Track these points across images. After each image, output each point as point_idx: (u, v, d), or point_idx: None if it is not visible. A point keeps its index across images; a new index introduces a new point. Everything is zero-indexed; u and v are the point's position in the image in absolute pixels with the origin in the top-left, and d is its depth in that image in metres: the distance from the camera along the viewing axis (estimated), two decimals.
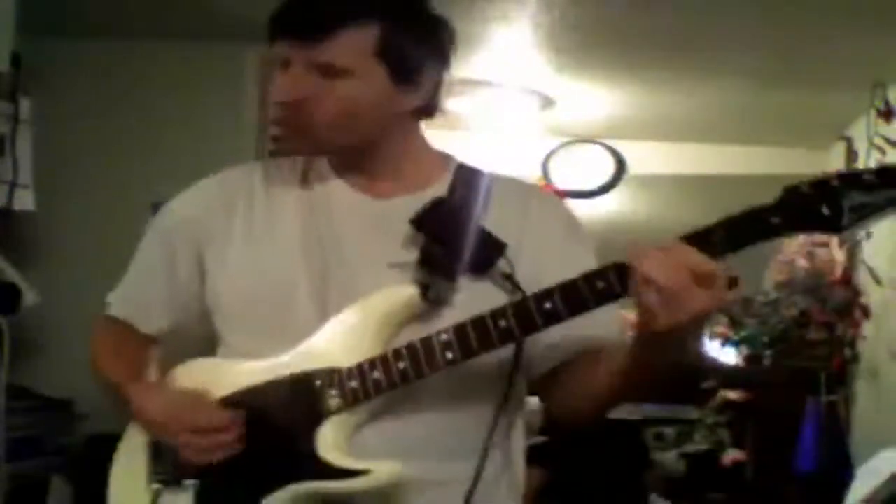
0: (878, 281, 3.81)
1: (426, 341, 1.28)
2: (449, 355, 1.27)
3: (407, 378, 1.28)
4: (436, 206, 1.36)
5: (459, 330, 1.27)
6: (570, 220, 1.48)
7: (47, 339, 3.30)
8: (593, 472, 3.58)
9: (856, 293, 3.99)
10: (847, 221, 1.18)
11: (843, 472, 3.15)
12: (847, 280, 4.07)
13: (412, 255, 1.35)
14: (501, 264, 1.35)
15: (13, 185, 2.97)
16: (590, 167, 4.53)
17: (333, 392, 1.30)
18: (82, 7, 3.24)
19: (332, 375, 1.30)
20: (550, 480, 3.62)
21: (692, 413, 4.98)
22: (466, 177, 1.44)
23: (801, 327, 4.13)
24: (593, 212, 4.76)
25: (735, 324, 4.56)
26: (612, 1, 3.12)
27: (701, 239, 1.18)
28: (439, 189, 1.41)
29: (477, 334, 1.26)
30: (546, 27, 3.30)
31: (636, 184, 4.88)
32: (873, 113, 3.78)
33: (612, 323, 1.39)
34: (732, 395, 4.69)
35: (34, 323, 3.14)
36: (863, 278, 3.98)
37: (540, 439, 3.24)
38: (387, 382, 1.28)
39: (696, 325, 1.17)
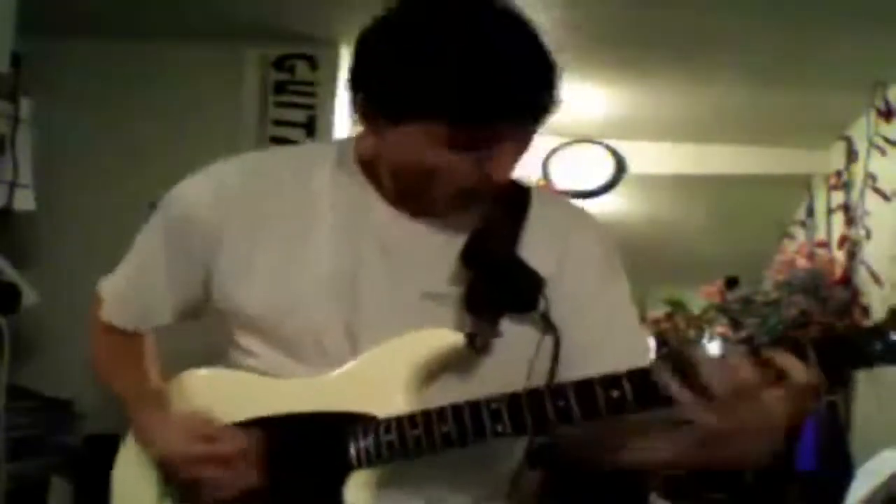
0: (877, 281, 3.81)
1: (474, 407, 1.19)
2: (499, 429, 1.18)
3: (450, 443, 1.20)
4: (480, 239, 1.28)
5: (513, 401, 1.18)
6: (609, 255, 1.39)
7: (47, 339, 3.29)
8: (593, 472, 3.57)
9: (856, 293, 3.99)
10: None
11: (843, 472, 3.14)
12: (847, 280, 4.07)
13: (449, 286, 1.27)
14: (540, 302, 1.27)
15: (13, 185, 2.97)
16: (590, 167, 4.53)
17: (367, 443, 1.22)
18: (82, 7, 3.24)
19: (368, 424, 1.22)
20: (550, 480, 3.62)
21: None
22: (505, 196, 1.32)
23: (801, 327, 4.12)
24: (593, 212, 4.75)
25: (735, 324, 4.56)
26: (612, 1, 3.11)
27: (791, 348, 1.12)
28: (475, 211, 1.30)
29: (532, 411, 1.18)
30: (546, 27, 3.29)
31: (636, 184, 4.87)
32: (873, 113, 3.79)
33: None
34: None
35: (34, 323, 3.14)
36: (863, 278, 3.98)
37: (540, 439, 3.23)
38: (427, 444, 1.20)
39: (770, 433, 1.14)
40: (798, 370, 1.10)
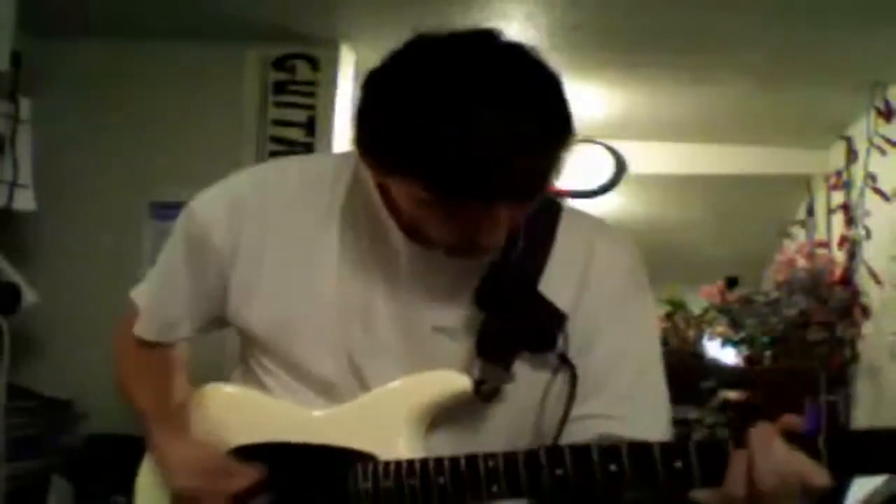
0: (878, 281, 3.81)
1: (471, 464, 1.15)
2: (494, 489, 1.14)
3: (444, 498, 1.16)
4: (496, 277, 1.21)
5: (509, 463, 1.13)
6: (633, 278, 1.31)
7: (47, 339, 3.30)
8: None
9: (856, 293, 3.99)
10: None
11: None
12: (847, 280, 4.07)
13: (462, 322, 1.22)
14: (559, 340, 1.22)
15: (13, 185, 2.97)
16: (590, 167, 4.53)
17: (365, 486, 1.20)
18: (82, 7, 3.24)
19: (367, 466, 1.20)
20: None
21: (692, 413, 4.98)
22: (532, 220, 1.23)
23: (801, 327, 4.13)
24: (593, 212, 4.75)
25: (735, 324, 4.56)
26: (611, 1, 3.12)
27: (810, 446, 1.03)
28: None
29: (528, 476, 1.13)
30: (546, 27, 3.29)
31: (636, 184, 4.87)
32: (873, 113, 3.79)
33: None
34: (732, 395, 4.69)
35: (34, 323, 3.15)
36: (863, 278, 3.98)
37: None
38: (422, 495, 1.17)
39: None
40: (825, 480, 1.03)
